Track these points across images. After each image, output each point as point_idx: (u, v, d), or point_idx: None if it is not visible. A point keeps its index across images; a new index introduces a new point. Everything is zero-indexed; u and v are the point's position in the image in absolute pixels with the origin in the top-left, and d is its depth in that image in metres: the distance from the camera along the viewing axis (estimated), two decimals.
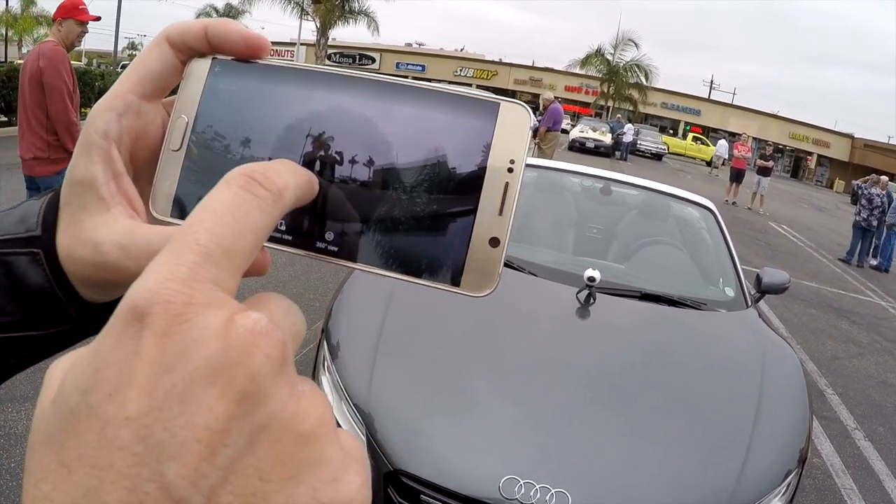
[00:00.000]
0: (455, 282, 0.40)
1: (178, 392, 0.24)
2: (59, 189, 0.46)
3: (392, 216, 0.40)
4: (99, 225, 0.43)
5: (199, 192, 0.42)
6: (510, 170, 0.40)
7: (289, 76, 0.43)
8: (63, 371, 0.26)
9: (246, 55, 0.44)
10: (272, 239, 0.41)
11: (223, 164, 0.42)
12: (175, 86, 0.45)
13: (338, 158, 0.41)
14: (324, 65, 0.43)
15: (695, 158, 42.19)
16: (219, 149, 0.43)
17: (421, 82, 0.42)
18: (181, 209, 0.43)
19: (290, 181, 0.33)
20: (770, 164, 19.49)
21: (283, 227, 0.41)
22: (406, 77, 0.42)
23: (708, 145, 42.33)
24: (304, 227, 0.41)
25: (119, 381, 0.24)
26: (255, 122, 0.42)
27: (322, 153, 0.41)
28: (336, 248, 0.41)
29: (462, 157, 0.40)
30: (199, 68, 0.44)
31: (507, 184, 0.40)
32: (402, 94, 0.41)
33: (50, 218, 0.45)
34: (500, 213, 0.40)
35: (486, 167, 0.40)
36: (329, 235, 0.41)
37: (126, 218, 0.43)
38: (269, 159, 0.41)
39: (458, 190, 0.40)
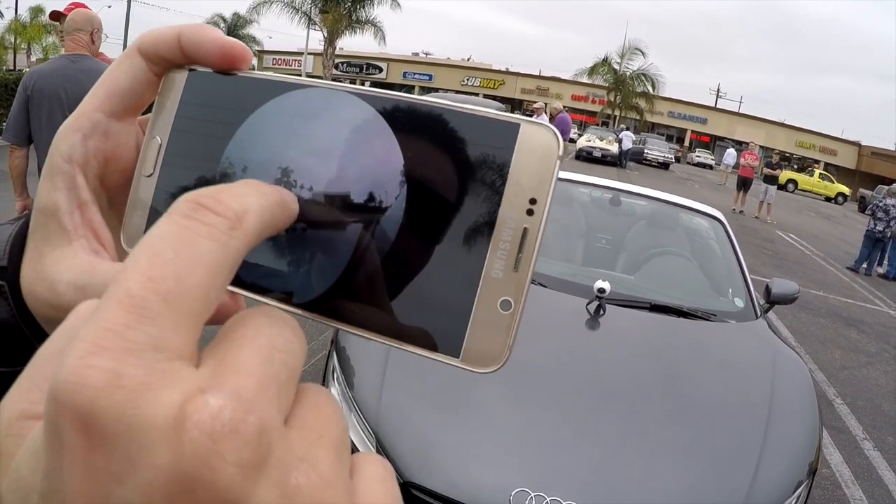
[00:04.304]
0: (453, 352, 0.32)
1: None
2: (30, 215, 0.41)
3: (379, 266, 0.33)
4: (59, 260, 0.37)
5: None
6: (530, 212, 0.31)
7: (272, 91, 0.36)
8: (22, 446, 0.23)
9: (222, 66, 0.37)
10: (239, 283, 0.34)
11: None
12: (151, 102, 0.40)
13: (319, 191, 0.34)
14: (331, 74, 0.34)
15: (821, 195, 42.88)
16: (196, 175, 0.37)
17: (423, 98, 0.34)
18: None
19: (253, 203, 0.26)
20: (777, 172, 19.45)
21: (247, 271, 0.34)
22: (413, 87, 0.32)
23: (833, 181, 43.25)
24: (268, 273, 0.34)
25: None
26: (234, 144, 0.36)
27: (308, 184, 0.34)
28: (307, 301, 0.33)
29: (468, 194, 0.32)
30: (175, 82, 0.39)
31: (525, 230, 0.31)
32: (401, 113, 0.34)
33: (17, 247, 0.41)
34: (516, 268, 0.31)
35: (497, 209, 0.32)
36: (300, 285, 0.34)
37: (87, 253, 0.37)
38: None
39: (462, 237, 0.32)
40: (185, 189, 0.37)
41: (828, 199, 41.42)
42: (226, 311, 0.30)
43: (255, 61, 0.39)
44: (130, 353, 0.20)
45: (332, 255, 0.33)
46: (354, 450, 2.38)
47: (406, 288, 0.32)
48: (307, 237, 0.33)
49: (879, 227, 13.71)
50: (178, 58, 0.38)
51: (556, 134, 0.32)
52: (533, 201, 0.31)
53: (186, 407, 0.20)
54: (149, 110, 0.41)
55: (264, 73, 0.38)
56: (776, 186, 19.59)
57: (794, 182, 42.81)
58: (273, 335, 0.24)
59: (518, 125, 0.32)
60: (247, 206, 0.26)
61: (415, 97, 0.34)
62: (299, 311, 0.34)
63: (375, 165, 0.33)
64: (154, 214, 0.38)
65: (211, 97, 0.38)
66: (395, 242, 0.33)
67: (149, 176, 0.38)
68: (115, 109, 0.39)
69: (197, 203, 0.24)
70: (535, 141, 0.32)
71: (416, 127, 0.33)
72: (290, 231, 0.33)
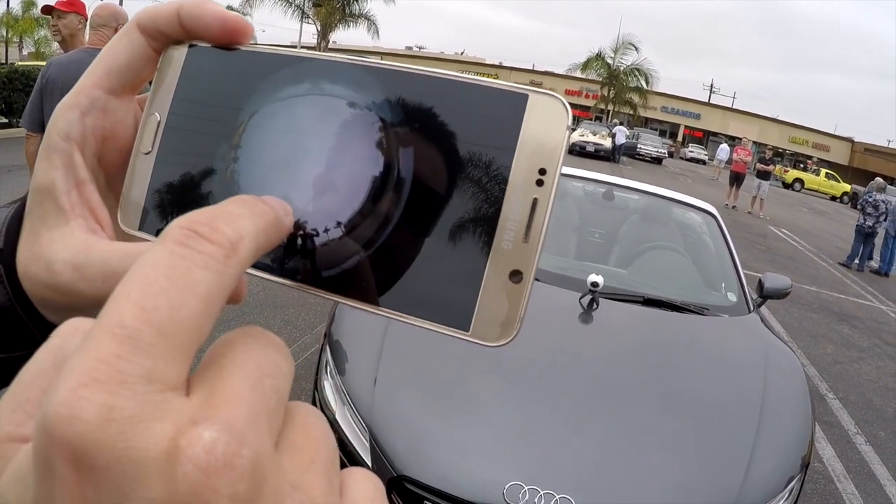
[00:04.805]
0: (463, 325, 0.31)
1: None
2: (26, 197, 0.40)
3: (386, 240, 0.32)
4: (55, 239, 0.37)
5: (173, 203, 0.37)
6: (540, 182, 0.31)
7: (274, 65, 0.36)
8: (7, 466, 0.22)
9: (223, 41, 0.37)
10: None
11: (201, 170, 0.36)
12: (150, 78, 0.39)
13: (326, 166, 0.33)
14: None
15: (826, 194, 42.86)
16: (196, 152, 0.36)
17: (431, 70, 0.33)
18: (152, 222, 0.37)
19: (247, 227, 0.25)
20: (770, 167, 19.47)
21: None
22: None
23: (839, 181, 43.17)
24: (274, 250, 0.31)
25: None
26: (234, 120, 0.36)
27: (310, 159, 0.34)
28: (315, 277, 0.33)
29: (477, 164, 0.32)
30: (175, 58, 0.38)
31: (535, 200, 0.31)
32: (408, 85, 0.33)
33: (13, 229, 0.40)
34: (526, 238, 0.31)
35: (507, 179, 0.31)
36: (306, 261, 0.33)
37: (84, 232, 0.37)
38: (253, 168, 0.35)
39: (471, 208, 0.31)
40: (184, 167, 0.37)
41: (833, 199, 41.44)
42: (237, 292, 0.29)
43: None
44: (123, 385, 0.20)
45: (338, 230, 0.33)
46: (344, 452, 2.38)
47: (414, 262, 0.32)
48: (312, 213, 0.33)
49: (869, 222, 13.77)
50: (178, 33, 0.37)
51: (564, 104, 0.32)
52: (542, 171, 0.31)
53: (179, 440, 0.20)
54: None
55: (265, 46, 0.37)
56: (769, 182, 19.62)
57: (801, 181, 42.93)
58: (261, 359, 0.23)
59: (526, 95, 0.32)
60: (242, 232, 0.25)
61: (422, 69, 0.33)
62: (305, 287, 0.33)
63: (381, 139, 0.33)
64: (155, 193, 0.37)
65: (211, 72, 0.37)
66: (402, 216, 0.32)
67: (147, 153, 0.37)
68: (114, 86, 0.38)
69: (191, 230, 0.23)
70: (544, 111, 0.31)
71: (425, 99, 0.33)
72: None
